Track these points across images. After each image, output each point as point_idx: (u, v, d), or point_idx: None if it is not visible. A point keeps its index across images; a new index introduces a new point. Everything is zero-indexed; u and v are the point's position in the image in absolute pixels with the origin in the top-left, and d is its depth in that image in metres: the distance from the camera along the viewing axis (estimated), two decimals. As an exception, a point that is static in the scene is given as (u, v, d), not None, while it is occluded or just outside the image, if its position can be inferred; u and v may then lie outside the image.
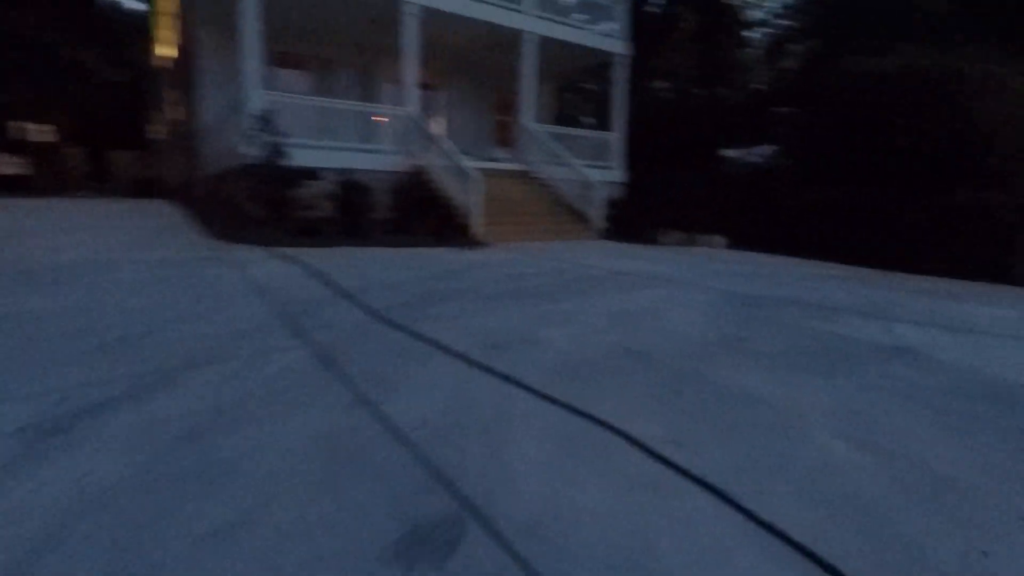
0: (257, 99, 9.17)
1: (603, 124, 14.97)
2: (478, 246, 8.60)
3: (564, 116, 19.02)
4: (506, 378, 2.92)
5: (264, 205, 7.78)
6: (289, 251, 6.60)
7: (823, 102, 14.16)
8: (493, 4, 11.74)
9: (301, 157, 8.96)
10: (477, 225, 9.34)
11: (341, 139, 10.14)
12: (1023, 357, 3.52)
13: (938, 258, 11.57)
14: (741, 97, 19.64)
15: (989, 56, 10.79)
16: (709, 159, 19.06)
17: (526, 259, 7.32)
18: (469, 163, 10.01)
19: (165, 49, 16.92)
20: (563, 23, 12.94)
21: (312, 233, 7.50)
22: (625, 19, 14.02)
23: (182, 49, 14.87)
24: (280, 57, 12.39)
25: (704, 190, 16.57)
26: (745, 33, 21.94)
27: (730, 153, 19.43)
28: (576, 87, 25.19)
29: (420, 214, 9.86)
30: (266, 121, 7.73)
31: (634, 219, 12.37)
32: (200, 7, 11.48)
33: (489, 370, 3.02)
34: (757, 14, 22.25)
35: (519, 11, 12.14)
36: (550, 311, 4.33)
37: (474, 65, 14.83)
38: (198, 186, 12.64)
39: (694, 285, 5.69)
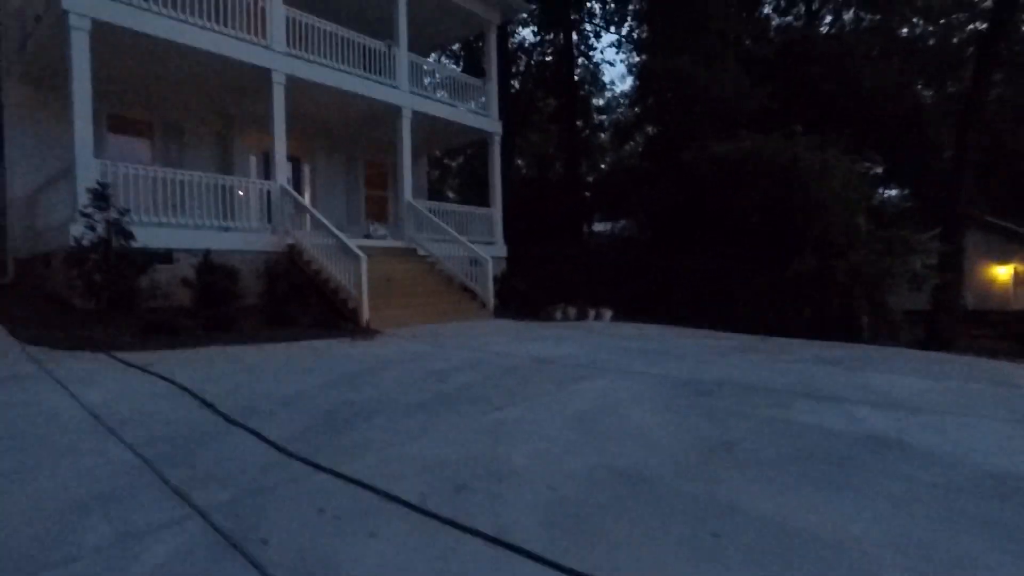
0: (90, 169, 7.67)
1: (480, 200, 14.95)
2: (370, 334, 7.69)
3: (437, 193, 18.90)
4: (496, 541, 2.20)
5: (100, 297, 6.27)
6: (139, 357, 5.22)
7: (672, 181, 15.47)
8: (370, 80, 11.32)
9: (149, 237, 7.53)
10: (365, 310, 8.43)
11: (198, 216, 8.80)
12: (991, 439, 3.52)
13: (790, 319, 12.76)
14: (600, 175, 21.03)
15: (804, 143, 12.46)
16: (577, 233, 19.92)
17: (432, 349, 6.58)
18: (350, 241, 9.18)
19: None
20: (438, 101, 12.86)
21: (166, 330, 6.12)
22: (494, 98, 14.36)
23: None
24: (115, 121, 10.79)
25: (579, 263, 17.11)
26: (597, 116, 23.91)
27: (597, 227, 20.54)
28: (443, 164, 25.48)
29: (298, 299, 8.72)
30: (103, 195, 6.35)
31: (521, 294, 12.19)
32: (6, 58, 9.67)
33: (469, 530, 2.27)
34: (600, 101, 24.49)
35: (395, 87, 11.84)
36: (497, 422, 3.66)
37: (343, 138, 14.17)
38: (3, 275, 10.24)
39: (627, 372, 5.35)
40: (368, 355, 5.96)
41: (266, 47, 9.71)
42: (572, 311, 11.50)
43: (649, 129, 20.25)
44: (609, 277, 16.45)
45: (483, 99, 14.05)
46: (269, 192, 9.83)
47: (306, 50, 10.30)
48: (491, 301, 10.76)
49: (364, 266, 8.50)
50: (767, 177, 11.85)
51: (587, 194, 19.85)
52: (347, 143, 14.36)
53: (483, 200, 14.53)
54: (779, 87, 13.95)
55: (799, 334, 11.44)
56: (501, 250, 13.87)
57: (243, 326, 6.91)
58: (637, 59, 20.46)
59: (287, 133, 13.12)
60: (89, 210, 6.33)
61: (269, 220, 9.78)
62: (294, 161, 13.54)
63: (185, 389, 4.13)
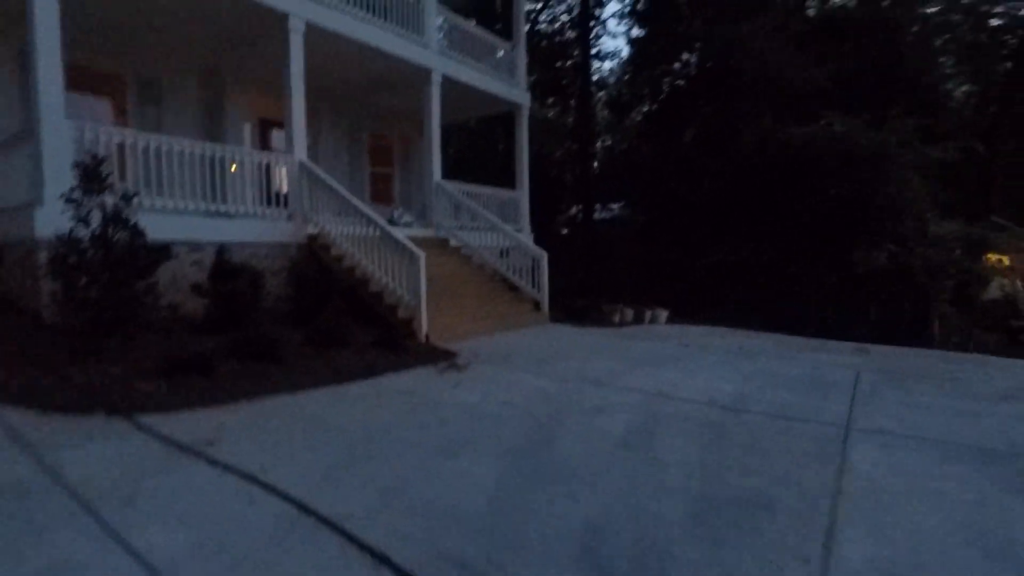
0: (60, 133, 5.65)
1: (483, 181, 13.17)
2: (445, 357, 6.01)
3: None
4: None
5: (94, 315, 4.38)
6: (182, 427, 3.45)
7: (716, 166, 14.17)
8: (397, 35, 9.39)
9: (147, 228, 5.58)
10: (423, 321, 6.74)
11: (199, 198, 6.84)
12: None
13: (854, 320, 11.77)
14: (616, 156, 19.48)
15: (892, 129, 11.32)
16: (588, 219, 18.44)
17: (553, 385, 5.00)
18: (355, 228, 7.45)
19: None
20: (470, 65, 11.02)
21: (196, 367, 4.31)
22: (522, 65, 12.61)
23: None
24: (76, 74, 8.49)
25: (598, 253, 15.65)
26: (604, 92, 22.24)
27: (609, 212, 19.08)
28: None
29: (331, 306, 6.95)
30: (96, 174, 4.41)
31: (564, 291, 10.71)
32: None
33: None
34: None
35: (425, 46, 9.95)
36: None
37: (347, 105, 12.13)
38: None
39: (897, 435, 3.95)
40: (488, 403, 4.35)
41: (281, -16, 7.68)
42: (629, 313, 10.09)
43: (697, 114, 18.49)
44: (632, 269, 15.12)
45: (512, 68, 12.25)
46: (283, 169, 7.88)
47: (326, -8, 8.29)
48: (546, 304, 9.19)
49: (423, 267, 6.78)
50: (848, 166, 10.65)
51: (600, 176, 18.36)
52: (351, 111, 12.33)
53: (487, 181, 12.69)
54: (836, 65, 12.75)
55: (866, 336, 10.44)
56: (528, 240, 12.24)
57: (284, 352, 5.13)
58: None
59: (280, 94, 11.11)
60: (76, 194, 4.39)
61: (282, 204, 7.85)
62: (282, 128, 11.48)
63: (314, 514, 2.44)
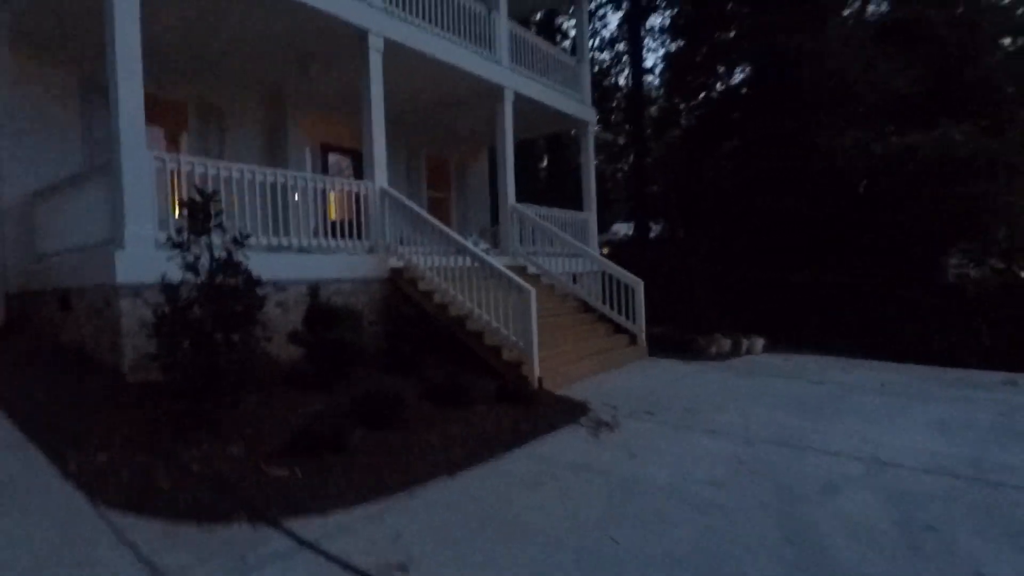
0: (141, 164, 5.04)
1: (545, 201, 12.40)
2: (563, 406, 5.24)
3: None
4: None
5: (192, 372, 3.67)
6: (334, 535, 2.69)
7: (787, 181, 13.32)
8: (471, 51, 8.78)
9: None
10: (536, 366, 5.97)
11: (280, 233, 6.19)
12: None
13: (960, 344, 10.76)
14: (666, 167, 18.66)
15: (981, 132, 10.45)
16: (643, 236, 17.62)
17: (736, 449, 4.19)
18: (444, 260, 6.76)
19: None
20: (538, 81, 10.38)
21: (326, 442, 3.56)
22: (587, 81, 11.95)
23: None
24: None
25: (660, 274, 14.80)
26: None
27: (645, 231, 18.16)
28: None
29: (429, 348, 6.23)
30: (204, 209, 3.74)
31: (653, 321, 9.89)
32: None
33: None
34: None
35: (497, 62, 9.33)
36: None
37: (407, 126, 11.53)
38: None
39: None
40: (688, 483, 3.54)
41: (358, -1, 7.09)
42: (726, 343, 9.23)
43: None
44: (697, 292, 14.22)
45: (576, 83, 11.59)
46: (364, 196, 7.21)
47: (401, 7, 7.70)
48: (643, 336, 8.37)
49: (533, 303, 6.03)
50: (957, 175, 9.75)
51: (653, 193, 17.54)
52: (409, 134, 11.73)
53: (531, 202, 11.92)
54: (915, 71, 11.91)
55: (981, 363, 9.46)
56: (597, 263, 11.46)
57: (407, 414, 4.36)
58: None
59: (344, 119, 10.55)
60: (183, 236, 3.71)
61: (362, 236, 7.17)
62: (352, 153, 10.93)
63: None
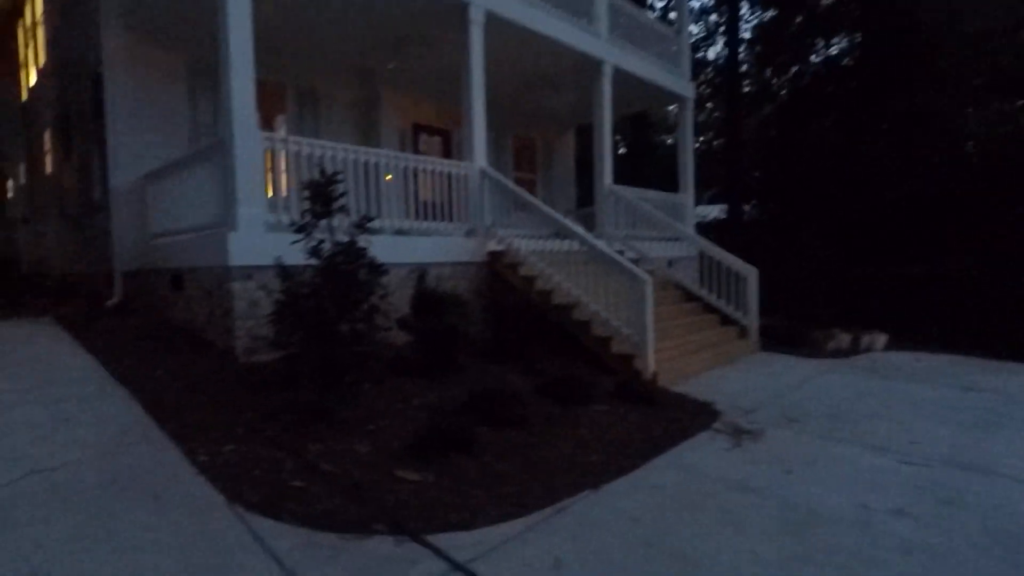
0: (252, 145, 4.94)
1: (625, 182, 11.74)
2: (690, 407, 4.78)
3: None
4: None
5: (316, 367, 3.49)
6: (487, 557, 2.42)
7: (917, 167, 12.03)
8: (569, 22, 8.28)
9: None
10: (650, 359, 5.52)
11: (391, 214, 6.03)
12: None
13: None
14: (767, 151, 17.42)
15: None
16: (736, 218, 16.58)
17: (879, 462, 3.63)
18: (544, 244, 6.35)
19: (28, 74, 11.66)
20: (637, 55, 9.73)
21: (455, 440, 3.30)
22: (686, 53, 11.17)
23: (48, 73, 9.90)
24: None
25: (758, 258, 13.84)
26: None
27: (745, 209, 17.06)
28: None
29: (533, 337, 5.90)
30: (326, 193, 3.52)
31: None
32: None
33: None
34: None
35: (595, 35, 8.78)
36: None
37: (496, 104, 11.15)
38: (106, 294, 7.69)
39: None
40: (875, 515, 3.03)
41: (458, -29, 6.74)
42: (845, 339, 8.41)
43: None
44: (804, 280, 13.19)
45: (674, 56, 10.84)
46: (464, 177, 6.93)
47: (501, -23, 7.29)
48: (755, 329, 7.72)
49: (649, 294, 5.57)
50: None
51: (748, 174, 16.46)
52: (499, 113, 11.34)
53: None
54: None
55: None
56: (693, 248, 10.74)
57: (524, 412, 4.04)
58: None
59: (435, 99, 10.34)
60: (306, 218, 3.52)
61: (457, 217, 6.90)
62: (442, 134, 10.71)
63: None
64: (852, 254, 12.26)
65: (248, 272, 4.98)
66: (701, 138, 26.56)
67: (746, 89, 18.95)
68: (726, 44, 17.00)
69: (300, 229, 3.50)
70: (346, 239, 3.58)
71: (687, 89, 10.96)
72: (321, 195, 3.51)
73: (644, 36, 10.13)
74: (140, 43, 7.12)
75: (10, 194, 16.20)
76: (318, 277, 3.51)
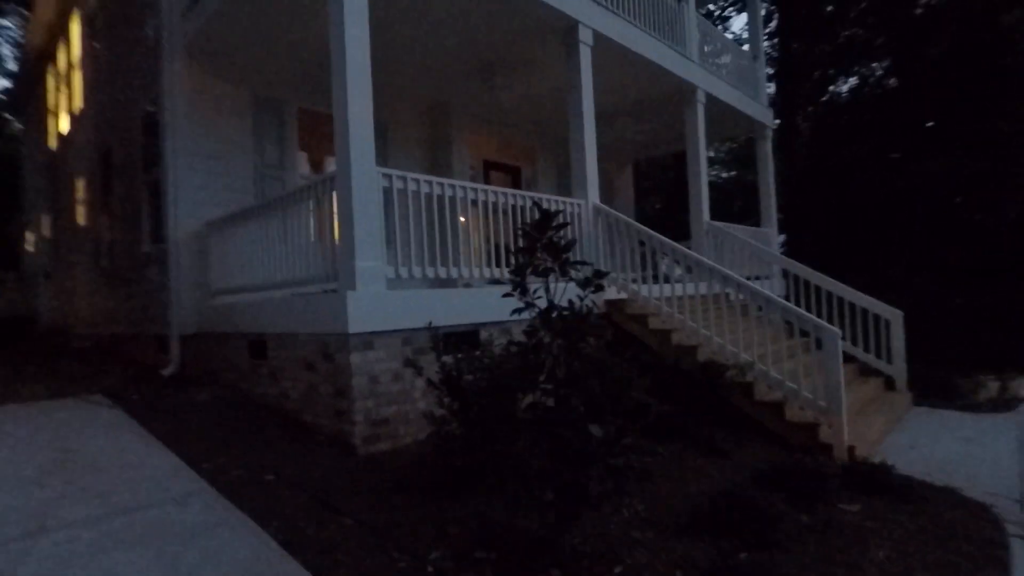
0: (370, 182, 4.07)
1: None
2: (917, 493, 3.75)
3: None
4: None
5: (562, 480, 2.50)
6: None
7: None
8: (666, 45, 7.55)
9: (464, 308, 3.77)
10: (845, 434, 4.50)
11: (482, 263, 5.13)
12: None
13: None
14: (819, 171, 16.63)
15: None
16: (796, 245, 15.68)
17: None
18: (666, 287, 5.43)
19: (60, 122, 10.91)
20: (724, 80, 9.00)
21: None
22: (763, 79, 10.48)
23: (86, 118, 9.11)
24: (306, 119, 7.31)
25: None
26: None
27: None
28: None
29: (683, 405, 4.90)
30: (559, 243, 2.61)
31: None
32: (166, 19, 6.19)
33: None
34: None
35: (690, 59, 8.04)
36: None
37: (560, 137, 10.42)
38: (162, 362, 6.72)
39: None
40: None
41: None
42: (993, 387, 7.39)
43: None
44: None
45: (753, 82, 10.13)
46: (577, 216, 6.04)
47: (603, -3, 6.55)
48: (904, 380, 6.69)
49: (839, 350, 4.58)
50: None
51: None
52: (562, 144, 10.61)
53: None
54: None
55: None
56: (780, 285, 9.76)
57: (774, 529, 3.03)
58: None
59: (506, 135, 9.60)
60: (518, 275, 2.58)
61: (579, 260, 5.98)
62: (512, 170, 9.92)
63: None
64: (947, 282, 11.33)
65: (368, 340, 4.02)
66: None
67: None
68: (781, 68, 16.39)
69: (516, 285, 2.56)
70: (565, 302, 2.63)
71: (766, 115, 10.23)
72: (546, 244, 2.58)
73: (727, 61, 9.44)
74: (204, 75, 6.34)
75: (29, 247, 15.37)
76: (532, 354, 2.56)
